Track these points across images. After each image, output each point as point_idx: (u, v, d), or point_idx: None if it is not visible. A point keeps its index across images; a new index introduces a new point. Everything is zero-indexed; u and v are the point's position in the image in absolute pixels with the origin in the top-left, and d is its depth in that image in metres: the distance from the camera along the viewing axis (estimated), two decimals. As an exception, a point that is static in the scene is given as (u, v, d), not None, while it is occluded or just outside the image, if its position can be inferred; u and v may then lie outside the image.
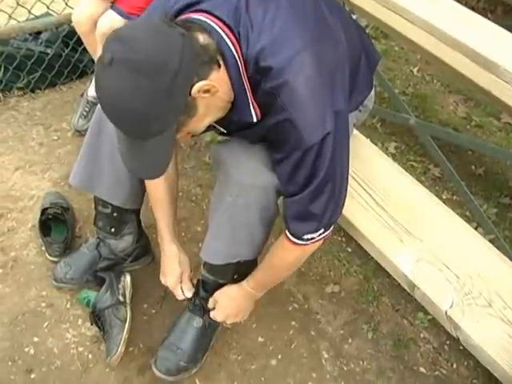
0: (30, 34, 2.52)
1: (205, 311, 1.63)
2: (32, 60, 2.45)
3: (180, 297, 1.61)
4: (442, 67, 2.33)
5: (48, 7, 2.54)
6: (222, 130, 1.37)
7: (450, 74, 2.34)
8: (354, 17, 2.49)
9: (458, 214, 1.69)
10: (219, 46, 1.12)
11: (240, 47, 1.14)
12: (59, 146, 2.30)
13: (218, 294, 1.58)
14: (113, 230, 1.76)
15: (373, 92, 1.62)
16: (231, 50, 1.13)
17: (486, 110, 2.92)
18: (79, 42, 2.40)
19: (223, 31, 1.13)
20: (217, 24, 1.14)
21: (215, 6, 1.16)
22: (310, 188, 1.22)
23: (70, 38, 2.54)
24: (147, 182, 1.58)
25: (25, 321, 1.71)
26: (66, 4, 2.55)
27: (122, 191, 1.66)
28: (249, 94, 1.19)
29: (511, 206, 2.41)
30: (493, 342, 1.29)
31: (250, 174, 1.32)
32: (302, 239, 1.32)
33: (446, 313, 1.33)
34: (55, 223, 1.91)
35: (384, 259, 1.46)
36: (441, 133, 2.40)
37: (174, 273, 1.60)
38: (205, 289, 1.63)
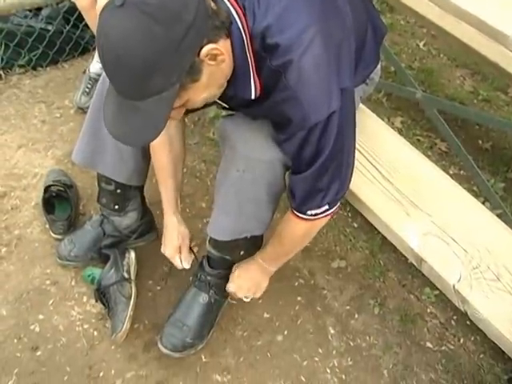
0: (30, 11, 2.48)
1: (210, 287, 1.63)
2: (33, 37, 2.42)
3: (179, 266, 1.60)
4: (449, 40, 2.30)
5: (48, -18, 2.50)
6: (224, 104, 1.35)
7: (456, 46, 2.32)
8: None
9: (465, 188, 1.66)
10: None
11: (246, 21, 1.11)
12: (62, 123, 2.28)
13: (235, 267, 1.60)
14: (116, 206, 1.75)
15: (379, 65, 1.59)
16: (237, 23, 1.10)
17: (493, 84, 2.88)
18: (80, 18, 2.36)
19: (230, 3, 1.10)
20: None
21: None
22: (315, 166, 1.21)
23: (70, 14, 2.51)
24: (153, 154, 1.56)
25: (30, 299, 1.71)
26: (66, -21, 2.51)
27: (125, 168, 1.64)
28: (252, 70, 1.15)
29: (519, 181, 2.38)
30: (501, 315, 1.28)
31: (256, 149, 1.30)
32: (306, 214, 1.31)
33: (453, 287, 1.31)
34: (59, 201, 1.90)
35: (390, 233, 1.44)
36: (447, 106, 2.36)
37: (173, 243, 1.59)
38: (210, 265, 1.63)
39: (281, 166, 1.32)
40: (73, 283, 1.75)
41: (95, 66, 2.29)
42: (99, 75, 2.23)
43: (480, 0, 1.80)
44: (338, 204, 1.35)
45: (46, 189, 1.89)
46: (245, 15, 1.11)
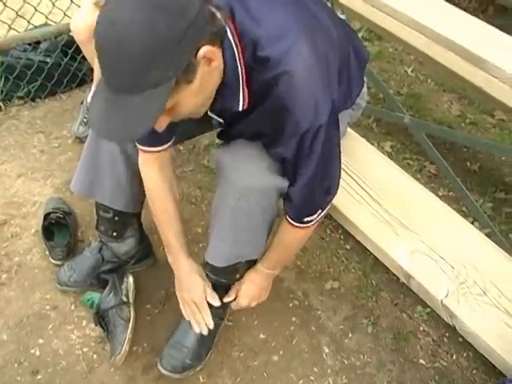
0: (30, 44, 2.56)
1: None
2: (32, 69, 2.49)
3: (206, 311, 1.60)
4: (435, 66, 2.37)
5: (47, 17, 2.58)
6: (219, 119, 1.37)
7: (443, 72, 2.39)
8: (342, 16, 2.54)
9: (454, 209, 1.72)
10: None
11: (238, 35, 1.14)
12: (60, 152, 2.34)
13: (237, 284, 1.64)
14: (115, 233, 1.79)
15: (364, 90, 1.65)
16: (229, 36, 1.13)
17: (479, 107, 2.96)
18: (78, 50, 2.42)
19: (223, 17, 1.12)
20: (216, 10, 1.11)
21: None
22: (310, 174, 1.26)
23: (68, 47, 2.58)
24: (156, 205, 1.57)
25: (30, 323, 1.74)
26: (65, 14, 2.59)
27: (122, 196, 1.68)
28: (242, 81, 1.18)
29: (506, 201, 2.44)
30: (488, 328, 1.32)
31: (251, 178, 1.34)
32: (303, 222, 1.37)
33: (441, 302, 1.36)
34: (58, 228, 1.95)
35: (380, 252, 1.50)
36: (435, 130, 2.43)
37: (200, 287, 1.60)
38: None
39: (275, 193, 1.37)
40: (72, 308, 1.79)
41: (93, 96, 2.35)
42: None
43: (461, 28, 1.89)
44: (329, 205, 1.40)
45: (46, 216, 1.93)
46: (236, 29, 1.14)
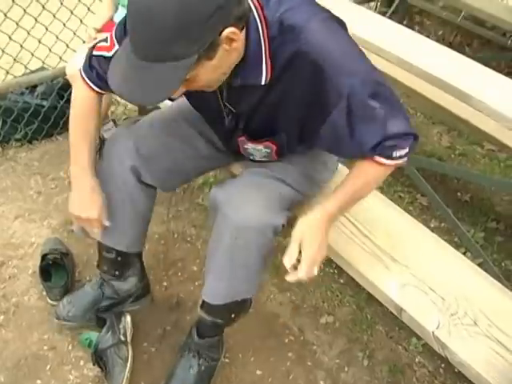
0: (27, 88, 2.61)
1: (200, 356, 1.67)
2: (29, 112, 2.55)
3: (98, 228, 1.58)
4: (423, 101, 2.44)
5: (43, 62, 2.64)
6: (232, 108, 1.40)
7: (430, 106, 2.45)
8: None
9: (446, 240, 1.75)
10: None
11: (263, 12, 1.22)
12: (57, 194, 2.38)
13: (297, 231, 1.35)
14: (117, 272, 1.80)
15: None
16: (254, 13, 1.20)
17: (468, 138, 3.02)
18: (73, 93, 2.49)
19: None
20: None
21: None
22: (381, 109, 1.26)
23: (64, 90, 2.64)
24: (80, 118, 1.58)
25: (27, 364, 1.75)
26: (61, 58, 2.66)
27: (125, 237, 1.70)
28: (265, 55, 1.23)
29: (498, 230, 2.48)
30: (480, 358, 1.34)
31: (247, 216, 1.36)
32: (392, 158, 1.33)
33: (433, 333, 1.38)
34: (55, 268, 1.97)
35: (372, 286, 1.52)
36: (425, 163, 2.48)
37: (99, 206, 1.55)
38: (200, 334, 1.68)
39: (271, 231, 1.40)
40: (70, 347, 1.80)
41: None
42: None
43: (446, 64, 1.95)
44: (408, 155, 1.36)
45: (43, 257, 1.96)
46: (261, 7, 1.22)
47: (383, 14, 3.86)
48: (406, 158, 1.35)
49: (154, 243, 2.15)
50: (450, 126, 3.09)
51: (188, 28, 1.04)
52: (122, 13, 2.27)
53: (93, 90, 1.54)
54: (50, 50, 2.61)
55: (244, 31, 1.19)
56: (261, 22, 1.22)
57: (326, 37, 1.22)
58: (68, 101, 2.61)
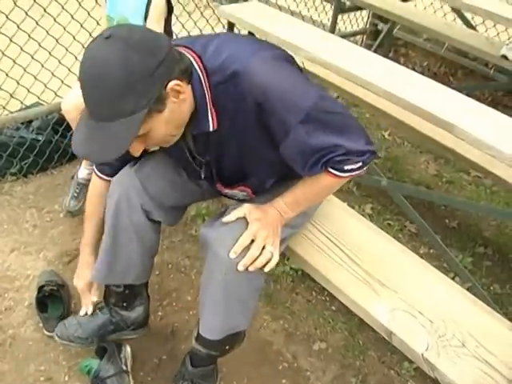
0: (22, 123, 2.67)
1: None
2: (24, 147, 2.60)
3: (87, 299, 1.83)
4: (410, 131, 2.52)
5: (39, 97, 2.70)
6: (200, 158, 1.49)
7: (416, 136, 2.52)
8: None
9: (435, 266, 1.79)
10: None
11: (202, 63, 1.30)
12: (52, 226, 2.41)
13: (246, 207, 1.47)
14: (125, 304, 1.83)
15: None
16: (195, 67, 1.30)
17: (455, 166, 3.10)
18: (68, 127, 2.55)
19: (186, 51, 1.31)
20: (184, 50, 1.32)
21: (180, 41, 1.38)
22: (330, 132, 1.33)
23: (59, 125, 2.70)
24: (89, 202, 1.79)
25: (24, 396, 1.76)
26: (56, 94, 2.72)
27: (134, 271, 1.73)
28: (208, 102, 1.32)
29: (486, 255, 2.54)
30: (468, 379, 1.37)
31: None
32: (344, 171, 1.40)
33: (422, 355, 1.42)
34: (51, 300, 2.00)
35: (362, 311, 1.56)
36: (412, 191, 2.55)
37: (83, 280, 1.81)
38: (193, 364, 1.71)
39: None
40: (66, 378, 1.81)
41: (83, 171, 2.44)
42: (87, 180, 2.40)
43: (430, 96, 2.02)
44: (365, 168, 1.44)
45: (40, 289, 1.99)
46: (200, 58, 1.31)
47: (369, 46, 3.99)
48: (360, 171, 1.43)
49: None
50: (437, 154, 3.17)
51: (133, 84, 1.15)
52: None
53: (99, 177, 1.73)
54: (45, 85, 2.67)
55: (190, 84, 1.29)
56: (201, 72, 1.30)
57: (267, 76, 1.28)
58: (62, 135, 2.70)
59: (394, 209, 2.69)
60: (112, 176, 1.66)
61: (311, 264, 1.67)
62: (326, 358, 1.97)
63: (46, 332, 1.92)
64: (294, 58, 1.43)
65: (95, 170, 1.74)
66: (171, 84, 1.20)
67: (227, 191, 1.65)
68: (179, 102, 1.25)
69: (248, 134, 1.37)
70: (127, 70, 1.13)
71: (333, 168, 1.39)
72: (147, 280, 1.84)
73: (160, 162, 1.67)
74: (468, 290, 1.92)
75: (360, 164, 1.39)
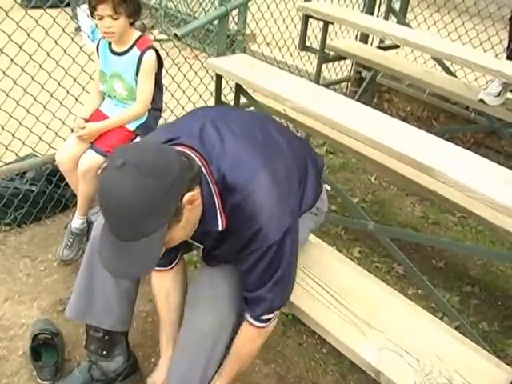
0: (17, 174, 2.73)
1: None
2: (18, 197, 2.64)
3: None
4: (394, 176, 2.59)
5: (33, 149, 2.77)
6: (199, 245, 1.57)
7: (401, 180, 2.60)
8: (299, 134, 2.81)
9: (423, 306, 1.85)
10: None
11: (210, 169, 1.39)
12: (46, 275, 2.44)
13: None
14: (104, 352, 1.86)
15: (324, 196, 1.86)
16: (203, 172, 1.38)
17: (440, 207, 3.17)
18: (61, 178, 2.60)
19: (196, 156, 1.39)
20: (192, 152, 1.39)
21: (188, 139, 1.43)
22: (268, 277, 1.44)
23: (53, 176, 2.75)
24: (156, 303, 1.80)
25: None
26: (49, 145, 2.78)
27: (112, 316, 1.80)
28: (217, 205, 1.40)
29: (473, 293, 2.59)
30: (455, 415, 1.42)
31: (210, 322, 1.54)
32: (261, 320, 1.51)
33: (410, 393, 1.46)
34: (45, 348, 2.02)
35: (351, 352, 1.60)
36: (398, 234, 2.61)
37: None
38: None
39: (231, 329, 1.56)
40: (60, 427, 1.83)
41: (76, 221, 2.48)
42: (80, 230, 2.45)
43: (409, 141, 2.10)
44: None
45: (34, 337, 2.01)
46: (208, 164, 1.39)
47: (354, 93, 4.12)
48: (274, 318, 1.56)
49: (141, 321, 2.22)
50: (423, 196, 3.25)
51: (153, 208, 1.21)
52: (108, 103, 2.43)
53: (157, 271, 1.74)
54: (39, 138, 2.75)
55: (200, 187, 1.37)
56: (210, 179, 1.40)
57: (265, 203, 1.39)
58: (56, 186, 2.75)
59: (382, 251, 2.75)
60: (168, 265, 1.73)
61: (301, 308, 1.72)
62: (318, 401, 2.00)
63: (39, 381, 1.94)
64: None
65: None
66: (186, 197, 1.27)
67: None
68: (193, 208, 1.33)
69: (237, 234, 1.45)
70: (145, 196, 1.20)
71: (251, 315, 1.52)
72: (127, 329, 1.89)
73: None
74: (456, 328, 1.97)
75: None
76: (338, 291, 1.75)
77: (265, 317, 1.51)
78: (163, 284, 1.76)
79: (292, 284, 1.54)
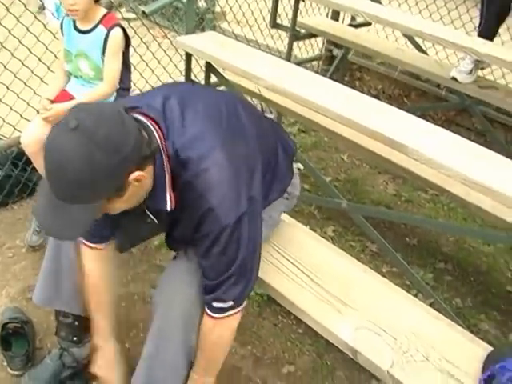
0: (-19, 158, 2.64)
1: None
2: (-17, 183, 2.57)
3: None
4: (367, 153, 2.58)
5: (-3, 132, 2.69)
6: (153, 218, 1.50)
7: (373, 157, 2.59)
8: (270, 115, 2.77)
9: (397, 283, 1.85)
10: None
11: (166, 146, 1.34)
12: (14, 262, 2.38)
13: None
14: (75, 338, 1.82)
15: (297, 180, 1.82)
16: (160, 149, 1.33)
17: (413, 185, 3.18)
18: (28, 161, 2.53)
19: (155, 130, 1.34)
20: (152, 125, 1.34)
21: (151, 111, 1.37)
22: (224, 266, 1.39)
23: (19, 159, 2.67)
24: (90, 287, 1.71)
25: None
26: (14, 128, 2.70)
27: (81, 300, 1.74)
28: (167, 185, 1.36)
29: (446, 270, 2.61)
30: (433, 391, 1.42)
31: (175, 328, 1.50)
32: (214, 309, 1.45)
33: (387, 372, 1.45)
34: (16, 337, 1.96)
35: (327, 332, 1.59)
36: (371, 212, 2.61)
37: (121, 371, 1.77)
38: None
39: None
40: (33, 417, 1.79)
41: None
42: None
43: (381, 118, 2.09)
44: (244, 303, 1.49)
45: (3, 326, 1.96)
46: (164, 138, 1.34)
47: (325, 71, 4.09)
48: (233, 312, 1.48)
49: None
50: (395, 174, 3.25)
51: (93, 181, 1.18)
52: (74, 83, 2.36)
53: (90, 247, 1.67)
54: (3, 120, 2.66)
55: (152, 165, 1.32)
56: (165, 155, 1.34)
57: (214, 193, 1.33)
58: (22, 169, 2.67)
59: (355, 230, 2.74)
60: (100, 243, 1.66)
61: (275, 288, 1.70)
62: (295, 381, 1.99)
63: (10, 371, 1.88)
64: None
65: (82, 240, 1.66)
66: (133, 176, 1.23)
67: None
68: (139, 186, 1.28)
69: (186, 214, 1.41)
70: (88, 168, 1.15)
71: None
72: None
73: None
74: (430, 305, 1.98)
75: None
76: (312, 270, 1.73)
77: (216, 304, 1.44)
78: (97, 264, 1.70)
79: (253, 278, 1.47)
